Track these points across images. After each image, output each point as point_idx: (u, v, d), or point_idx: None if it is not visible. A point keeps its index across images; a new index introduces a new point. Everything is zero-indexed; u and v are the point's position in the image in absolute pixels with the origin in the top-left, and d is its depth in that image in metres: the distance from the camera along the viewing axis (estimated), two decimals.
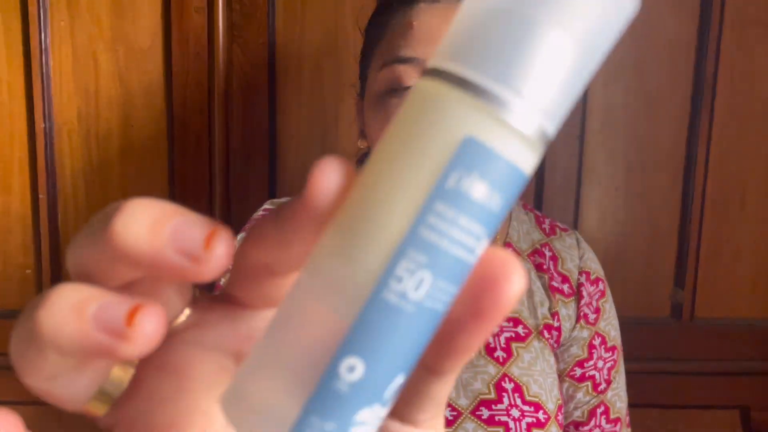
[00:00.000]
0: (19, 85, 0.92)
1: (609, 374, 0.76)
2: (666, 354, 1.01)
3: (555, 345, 0.75)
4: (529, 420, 0.69)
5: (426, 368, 0.20)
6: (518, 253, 0.76)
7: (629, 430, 0.79)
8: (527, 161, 0.18)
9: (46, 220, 0.94)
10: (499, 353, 0.72)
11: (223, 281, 0.64)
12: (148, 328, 0.19)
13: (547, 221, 0.80)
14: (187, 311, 0.24)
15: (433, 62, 0.19)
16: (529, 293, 0.75)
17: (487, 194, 0.18)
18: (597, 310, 0.76)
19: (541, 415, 0.70)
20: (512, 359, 0.72)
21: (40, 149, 0.93)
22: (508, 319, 0.73)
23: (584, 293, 0.76)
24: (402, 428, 0.22)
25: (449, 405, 0.69)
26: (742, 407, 1.02)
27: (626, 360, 0.79)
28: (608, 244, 0.98)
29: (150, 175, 0.94)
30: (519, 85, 0.18)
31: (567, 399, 0.76)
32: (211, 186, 0.94)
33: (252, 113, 0.93)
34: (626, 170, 0.97)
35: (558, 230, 0.79)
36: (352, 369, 0.18)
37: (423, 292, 0.18)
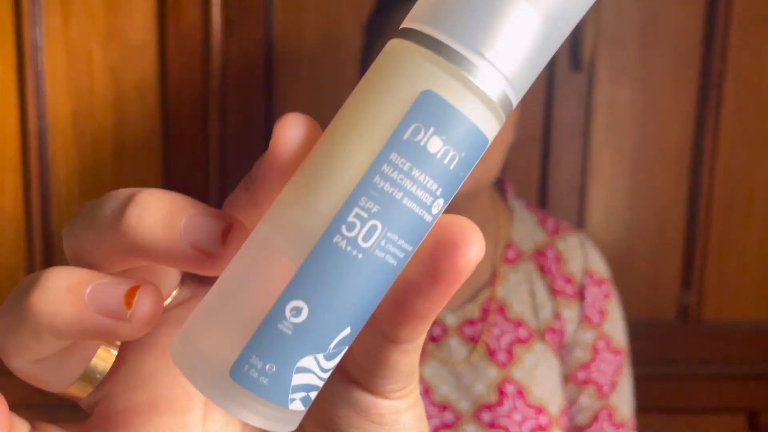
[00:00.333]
0: (11, 83, 0.92)
1: (613, 378, 0.75)
2: (672, 356, 1.00)
3: (558, 347, 0.74)
4: (531, 424, 0.69)
5: (384, 336, 0.20)
6: (520, 253, 0.76)
7: None
8: (488, 125, 0.19)
9: (39, 219, 0.94)
10: (501, 356, 0.71)
11: None
12: (147, 308, 0.19)
13: (550, 221, 0.80)
14: (174, 292, 0.23)
15: (405, 23, 0.20)
16: (532, 295, 0.75)
17: (444, 149, 0.18)
18: (602, 312, 0.76)
19: (543, 419, 0.70)
20: (514, 362, 0.71)
21: (32, 148, 0.93)
22: (510, 321, 0.73)
23: (588, 295, 0.75)
24: (373, 400, 0.22)
25: (450, 408, 0.69)
26: (750, 411, 1.01)
27: (631, 363, 0.79)
28: (613, 245, 0.97)
29: (144, 174, 0.94)
30: (484, 48, 0.18)
31: (570, 402, 0.75)
32: (207, 184, 0.94)
33: (248, 110, 0.93)
34: (632, 170, 0.97)
35: (562, 230, 0.79)
36: (297, 312, 0.18)
37: (373, 240, 0.18)
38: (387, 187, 0.18)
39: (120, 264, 0.21)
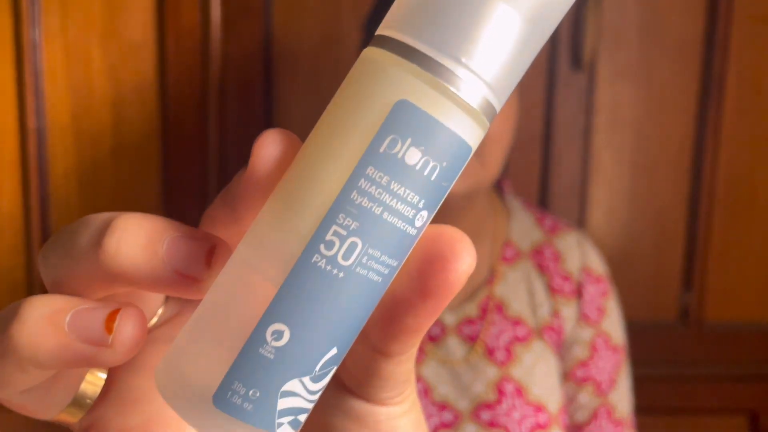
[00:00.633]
0: (10, 83, 0.92)
1: (612, 375, 0.75)
2: (673, 358, 1.00)
3: (557, 346, 0.74)
4: (531, 422, 0.69)
5: (375, 350, 0.20)
6: (518, 252, 0.76)
7: None
8: (470, 132, 0.18)
9: (38, 219, 0.94)
10: (500, 355, 0.71)
11: None
12: (129, 333, 0.19)
13: (548, 220, 0.80)
14: (160, 310, 0.23)
15: (379, 31, 0.19)
16: (530, 293, 0.74)
17: (423, 160, 0.17)
18: (600, 310, 0.76)
19: (542, 417, 0.70)
20: (513, 361, 0.71)
21: (31, 147, 0.92)
22: (509, 320, 0.73)
23: (586, 293, 0.75)
24: (370, 408, 0.21)
25: (449, 407, 0.69)
26: (751, 412, 1.01)
27: (632, 364, 0.79)
28: (614, 245, 0.97)
29: (143, 174, 0.94)
30: (461, 54, 0.17)
31: (569, 400, 0.75)
32: (206, 183, 0.94)
33: (248, 110, 0.93)
34: (633, 170, 0.97)
35: (560, 229, 0.79)
36: (279, 335, 0.18)
37: (354, 258, 0.17)
38: (365, 203, 0.17)
39: (101, 291, 0.20)
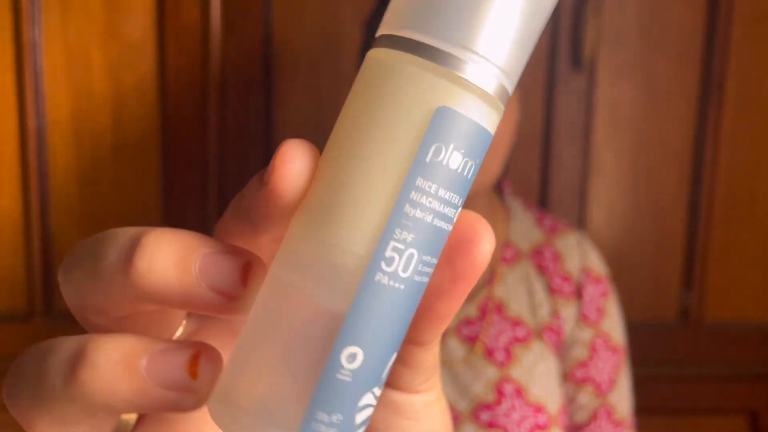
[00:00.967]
0: (10, 83, 0.92)
1: (612, 376, 0.75)
2: (673, 357, 1.00)
3: (556, 346, 0.74)
4: (530, 423, 0.69)
5: (409, 341, 0.20)
6: (518, 253, 0.76)
7: None
8: (491, 120, 0.18)
9: (38, 219, 0.93)
10: (499, 355, 0.71)
11: None
12: (211, 376, 0.18)
13: (548, 220, 0.80)
14: (184, 322, 0.22)
15: (384, 30, 0.19)
16: (530, 294, 0.74)
17: (463, 162, 0.18)
18: (600, 310, 0.75)
19: (542, 418, 0.69)
20: (512, 361, 0.71)
21: (31, 147, 0.92)
22: (508, 321, 0.72)
23: (586, 293, 0.75)
24: (405, 397, 0.22)
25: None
26: (751, 412, 1.01)
27: (632, 363, 0.79)
28: (614, 245, 0.97)
29: (143, 174, 0.94)
30: (475, 45, 0.18)
31: (569, 401, 0.75)
32: (206, 184, 0.93)
33: (248, 109, 0.93)
34: (633, 169, 0.97)
35: (560, 229, 0.78)
36: (353, 358, 0.18)
37: (412, 269, 0.18)
38: (418, 214, 0.18)
39: (130, 310, 0.19)
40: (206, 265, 0.18)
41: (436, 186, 0.18)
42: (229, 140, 0.93)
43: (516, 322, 0.73)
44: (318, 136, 0.98)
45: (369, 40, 0.74)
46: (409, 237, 0.18)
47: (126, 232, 0.19)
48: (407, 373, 0.21)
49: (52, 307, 0.96)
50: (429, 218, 0.18)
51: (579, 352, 0.74)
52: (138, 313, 0.20)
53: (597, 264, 0.77)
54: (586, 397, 0.74)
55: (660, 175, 0.97)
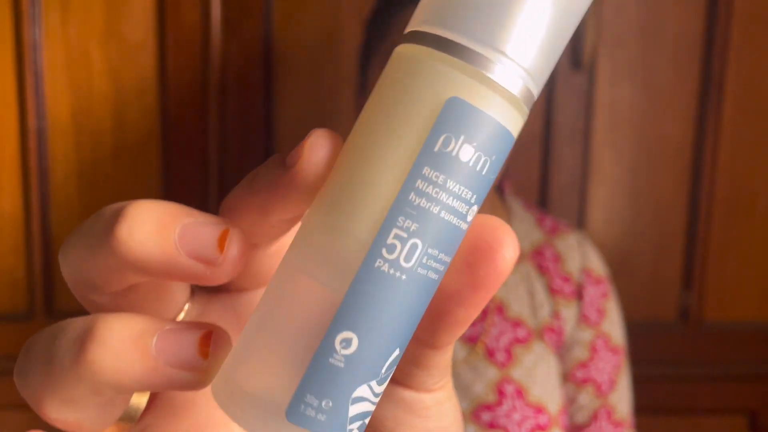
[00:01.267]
0: (10, 83, 0.92)
1: (612, 376, 0.75)
2: (672, 357, 1.00)
3: (557, 347, 0.74)
4: (531, 423, 0.69)
5: (423, 343, 0.20)
6: (519, 254, 0.76)
7: None
8: (514, 122, 0.18)
9: (38, 219, 0.93)
10: (500, 356, 0.71)
11: None
12: (221, 355, 0.19)
13: (548, 221, 0.80)
14: (186, 307, 0.23)
15: (412, 27, 0.19)
16: (530, 294, 0.74)
17: (476, 156, 0.18)
18: (600, 311, 0.75)
19: (542, 419, 0.69)
20: (513, 362, 0.71)
21: (32, 148, 0.92)
22: (509, 322, 0.72)
23: (586, 294, 0.75)
24: (417, 396, 0.22)
25: None
26: (751, 411, 1.01)
27: (632, 363, 0.79)
28: (614, 246, 0.97)
29: (144, 174, 0.94)
30: (502, 45, 0.18)
31: (569, 401, 0.75)
32: (206, 184, 0.93)
33: (248, 109, 0.93)
34: (632, 170, 0.97)
35: (560, 230, 0.78)
36: (347, 343, 0.18)
37: (415, 260, 0.18)
38: (423, 203, 0.18)
39: (119, 283, 0.20)
40: (185, 233, 0.18)
41: (444, 177, 0.17)
42: (229, 140, 0.93)
43: (516, 323, 0.73)
44: None
45: (369, 40, 0.73)
46: (413, 226, 0.17)
47: (113, 206, 0.19)
48: (420, 374, 0.21)
49: (53, 306, 0.95)
50: (436, 210, 0.17)
51: (579, 353, 0.74)
52: (133, 293, 0.20)
53: (597, 265, 0.77)
54: (586, 398, 0.74)
55: (660, 175, 0.97)
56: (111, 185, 0.94)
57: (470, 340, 0.72)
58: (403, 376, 0.21)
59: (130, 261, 0.18)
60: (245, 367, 0.19)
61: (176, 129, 0.92)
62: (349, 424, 0.18)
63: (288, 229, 0.21)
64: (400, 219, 0.17)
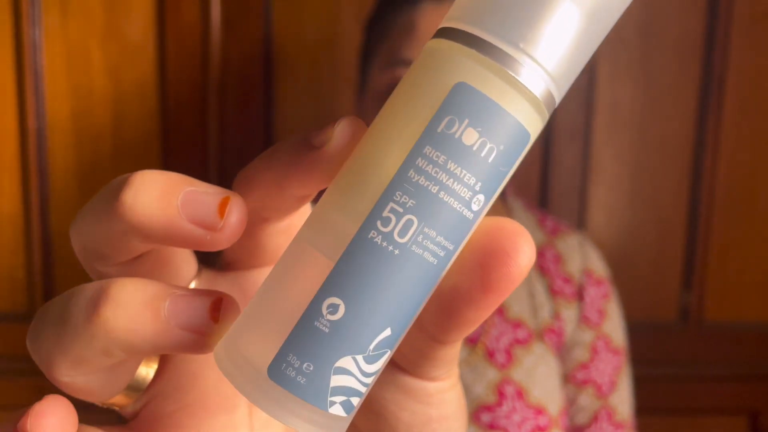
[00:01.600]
0: (10, 83, 0.92)
1: (613, 377, 0.75)
2: (673, 357, 1.00)
3: (557, 348, 0.74)
4: (531, 424, 0.69)
5: (431, 337, 0.20)
6: None
7: None
8: (529, 119, 0.18)
9: (38, 220, 0.93)
10: (500, 357, 0.71)
11: None
12: (229, 320, 0.19)
13: (549, 221, 0.80)
14: (193, 284, 0.23)
15: (443, 24, 0.19)
16: (531, 295, 0.74)
17: (480, 142, 0.18)
18: (601, 312, 0.75)
19: (543, 420, 0.69)
20: (513, 363, 0.71)
21: (31, 148, 0.92)
22: (509, 323, 0.72)
23: (587, 295, 0.75)
24: (421, 383, 0.22)
25: None
26: (751, 412, 1.01)
27: (632, 364, 0.79)
28: (614, 246, 0.97)
29: None
30: (522, 41, 0.18)
31: (570, 403, 0.75)
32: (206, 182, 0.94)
33: (248, 109, 0.93)
34: (633, 170, 0.97)
35: (562, 230, 0.78)
36: (334, 309, 0.18)
37: (410, 236, 0.18)
38: (422, 181, 0.18)
39: (125, 251, 0.20)
40: (188, 198, 0.19)
41: (445, 157, 0.18)
42: (229, 140, 0.93)
43: (517, 324, 0.73)
44: None
45: (369, 40, 0.73)
46: (410, 202, 0.18)
47: (120, 176, 0.20)
48: (426, 364, 0.21)
49: None
50: (434, 189, 0.18)
51: (580, 354, 0.74)
52: (140, 265, 0.21)
53: (598, 266, 0.77)
54: (587, 399, 0.74)
55: (660, 175, 0.97)
56: None
57: (470, 341, 0.72)
58: (407, 363, 0.22)
59: (135, 225, 0.19)
60: (243, 328, 0.19)
61: (176, 129, 0.93)
62: (331, 395, 0.18)
63: (299, 207, 0.22)
64: (398, 194, 0.18)
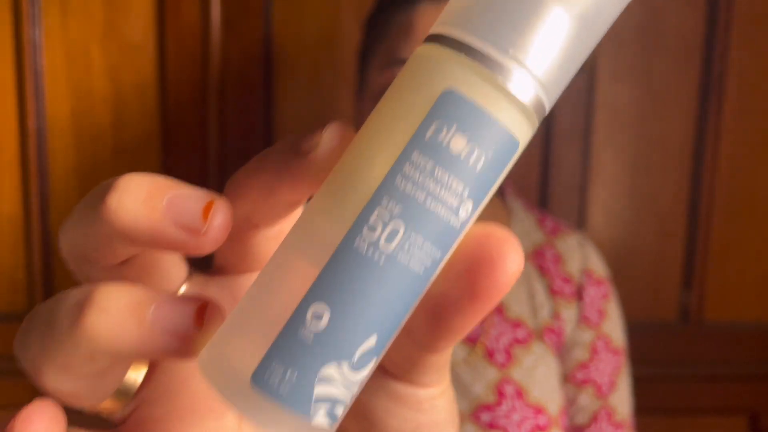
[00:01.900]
0: (10, 83, 0.92)
1: (612, 377, 0.75)
2: (673, 357, 1.00)
3: (557, 348, 0.74)
4: (530, 424, 0.69)
5: (421, 346, 0.20)
6: None
7: None
8: (517, 126, 0.18)
9: (38, 220, 0.94)
10: (500, 357, 0.71)
11: None
12: (213, 326, 0.19)
13: (549, 221, 0.79)
14: (183, 288, 0.23)
15: (432, 30, 0.19)
16: (531, 295, 0.74)
17: (468, 148, 0.18)
18: (601, 312, 0.75)
19: (542, 419, 0.69)
20: (513, 363, 0.71)
21: (31, 148, 0.92)
22: (509, 322, 0.72)
23: (586, 295, 0.75)
24: (411, 389, 0.22)
25: None
26: (751, 412, 1.01)
27: (632, 363, 0.79)
28: (614, 246, 0.97)
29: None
30: (512, 48, 0.18)
31: (570, 403, 0.75)
32: (206, 183, 0.93)
33: (247, 110, 0.93)
34: (633, 170, 0.97)
35: (561, 230, 0.78)
36: (319, 316, 0.18)
37: (396, 243, 0.18)
38: (409, 188, 0.18)
39: (111, 255, 0.20)
40: (172, 202, 0.19)
41: (432, 163, 0.18)
42: (229, 140, 0.93)
43: (516, 324, 0.73)
44: None
45: (368, 40, 0.73)
46: (396, 208, 0.18)
47: (106, 181, 0.20)
48: (416, 371, 0.21)
49: None
50: (421, 197, 0.18)
51: (580, 354, 0.74)
52: (127, 269, 0.21)
53: (598, 266, 0.77)
54: (586, 399, 0.74)
55: (660, 175, 0.97)
56: None
57: (470, 340, 0.72)
58: (397, 370, 0.21)
59: (120, 229, 0.19)
60: (226, 333, 0.19)
61: (176, 129, 0.93)
62: (314, 404, 0.18)
63: (289, 213, 0.22)
64: (385, 199, 0.18)
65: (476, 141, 0.18)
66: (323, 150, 0.19)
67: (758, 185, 0.98)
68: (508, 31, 0.18)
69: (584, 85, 0.94)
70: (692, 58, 0.95)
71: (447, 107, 0.18)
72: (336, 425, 0.19)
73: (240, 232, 0.22)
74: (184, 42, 0.91)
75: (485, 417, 0.69)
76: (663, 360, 0.99)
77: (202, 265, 0.25)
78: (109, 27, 0.91)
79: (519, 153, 0.19)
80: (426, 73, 0.18)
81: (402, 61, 0.65)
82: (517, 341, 0.72)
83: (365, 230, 0.18)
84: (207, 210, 0.19)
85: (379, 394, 0.22)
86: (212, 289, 0.24)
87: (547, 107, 0.19)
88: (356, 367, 0.18)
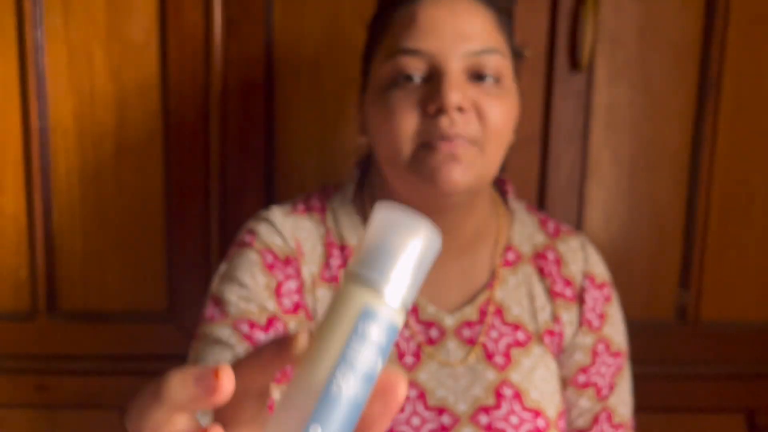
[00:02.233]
0: (13, 84, 0.92)
1: (612, 379, 0.75)
2: (670, 356, 1.00)
3: (557, 350, 0.74)
4: (529, 427, 0.69)
5: None
6: (519, 256, 0.75)
7: None
8: (397, 319, 0.32)
9: (41, 220, 0.94)
10: (499, 359, 0.71)
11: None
12: None
13: (551, 223, 0.79)
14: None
15: (350, 264, 0.32)
16: (531, 297, 0.74)
17: (378, 335, 0.31)
18: (602, 316, 0.75)
19: (541, 422, 0.69)
20: (512, 365, 0.71)
21: (34, 148, 0.93)
22: (508, 325, 0.72)
23: (588, 298, 0.75)
24: None
25: (447, 410, 0.69)
26: (748, 410, 1.01)
27: (630, 363, 0.78)
28: (612, 246, 0.97)
29: (145, 174, 0.94)
30: (389, 277, 0.31)
31: (570, 406, 0.75)
32: (208, 185, 0.94)
33: (249, 111, 0.93)
34: (630, 170, 0.97)
35: (563, 233, 0.78)
36: (315, 428, 0.29)
37: (351, 387, 0.30)
38: (354, 357, 0.30)
39: (166, 421, 0.31)
40: (198, 375, 0.30)
41: (364, 346, 0.30)
42: (230, 141, 0.93)
43: (516, 327, 0.72)
44: (319, 138, 0.99)
45: (371, 40, 0.73)
46: (349, 369, 0.30)
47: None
48: None
49: (55, 306, 0.96)
50: (361, 360, 0.30)
51: (580, 358, 0.74)
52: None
53: (600, 269, 0.77)
54: (587, 402, 0.74)
55: (657, 175, 0.97)
56: (113, 185, 0.94)
57: (469, 341, 0.71)
58: None
59: (174, 403, 0.30)
60: None
61: (178, 130, 0.93)
62: None
63: (267, 391, 0.33)
64: (344, 365, 0.30)
65: (382, 331, 0.31)
66: (297, 348, 0.31)
67: (755, 185, 0.98)
68: (387, 269, 0.31)
69: (583, 85, 0.95)
70: (689, 59, 0.95)
71: (366, 316, 0.31)
72: None
73: (242, 398, 0.32)
74: (186, 43, 0.91)
75: (484, 419, 0.68)
76: (660, 359, 0.99)
77: None
78: (111, 28, 0.91)
79: (399, 331, 0.32)
80: (349, 299, 0.31)
81: (405, 50, 0.64)
82: (517, 344, 0.72)
83: (337, 380, 0.30)
84: (217, 374, 0.29)
85: None
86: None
87: (410, 303, 0.33)
88: None
